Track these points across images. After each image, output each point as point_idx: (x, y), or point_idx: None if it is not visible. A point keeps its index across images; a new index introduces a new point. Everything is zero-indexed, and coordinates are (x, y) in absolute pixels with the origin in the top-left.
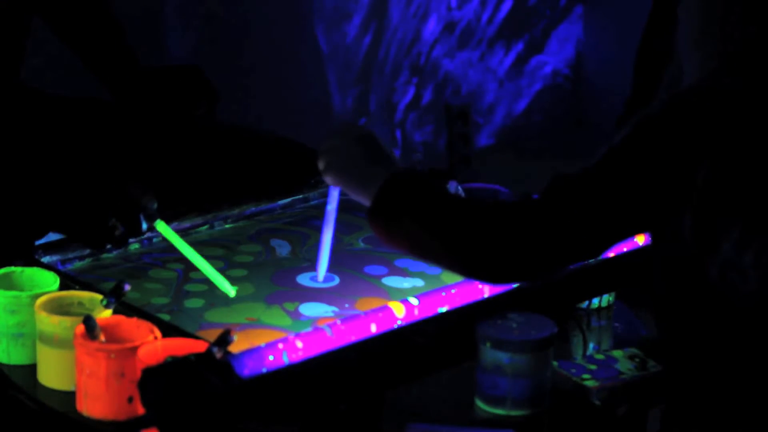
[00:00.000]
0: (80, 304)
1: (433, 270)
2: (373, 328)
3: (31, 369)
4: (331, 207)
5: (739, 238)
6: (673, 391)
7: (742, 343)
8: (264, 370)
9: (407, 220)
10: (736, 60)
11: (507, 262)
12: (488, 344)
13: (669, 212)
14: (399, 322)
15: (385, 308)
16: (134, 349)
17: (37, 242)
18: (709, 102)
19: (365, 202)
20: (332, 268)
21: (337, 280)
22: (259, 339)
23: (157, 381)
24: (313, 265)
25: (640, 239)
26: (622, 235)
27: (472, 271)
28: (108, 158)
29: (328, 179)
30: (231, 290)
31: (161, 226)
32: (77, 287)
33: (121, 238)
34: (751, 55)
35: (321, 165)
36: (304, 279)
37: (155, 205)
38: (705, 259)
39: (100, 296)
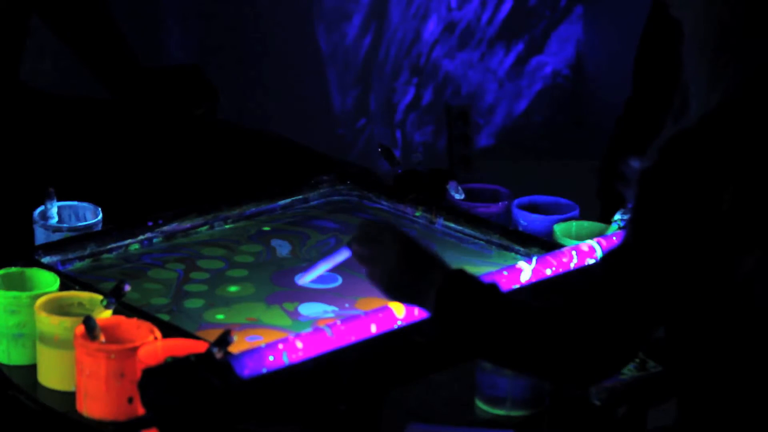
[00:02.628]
0: (80, 304)
1: None
2: (373, 328)
3: (31, 369)
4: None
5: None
6: (682, 394)
7: (755, 346)
8: (264, 370)
9: (475, 338)
10: (756, 79)
11: (598, 356)
12: None
13: (716, 252)
14: (399, 322)
15: (385, 308)
16: (134, 350)
17: (37, 243)
18: (727, 134)
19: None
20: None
21: (339, 281)
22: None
23: (157, 381)
24: (311, 265)
25: None
26: (687, 291)
27: (556, 379)
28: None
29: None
30: None
31: None
32: (77, 287)
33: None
34: None
35: (365, 272)
36: (302, 279)
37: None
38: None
39: (100, 296)
